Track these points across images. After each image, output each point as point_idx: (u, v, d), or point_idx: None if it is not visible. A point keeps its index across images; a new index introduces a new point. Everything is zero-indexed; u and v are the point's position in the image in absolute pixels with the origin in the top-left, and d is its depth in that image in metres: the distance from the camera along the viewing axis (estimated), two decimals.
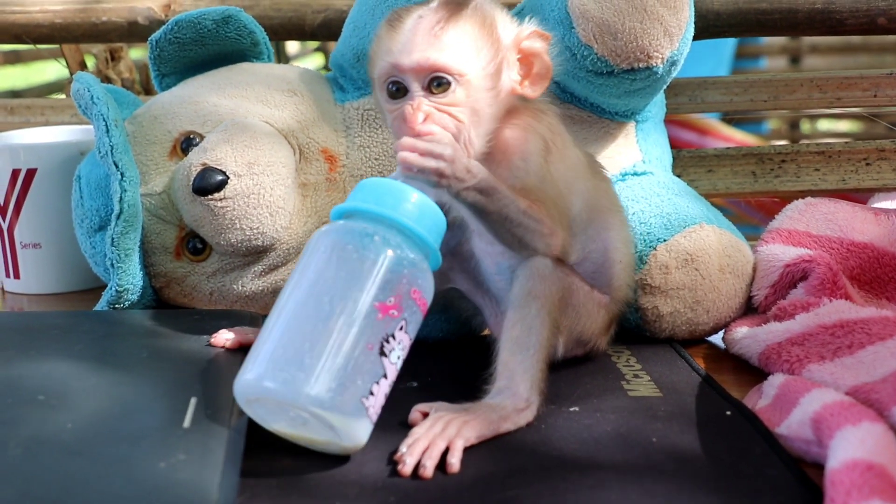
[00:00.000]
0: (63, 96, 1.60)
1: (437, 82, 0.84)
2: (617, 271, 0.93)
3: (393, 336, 0.76)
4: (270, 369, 0.73)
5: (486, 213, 0.83)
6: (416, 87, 0.85)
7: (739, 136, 3.00)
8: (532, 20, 0.90)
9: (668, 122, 1.19)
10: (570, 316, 0.89)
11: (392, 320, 0.76)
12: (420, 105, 0.84)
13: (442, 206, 0.83)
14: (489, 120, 0.86)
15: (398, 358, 0.76)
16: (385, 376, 0.75)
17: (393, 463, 0.75)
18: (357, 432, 0.74)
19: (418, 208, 0.78)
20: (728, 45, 3.74)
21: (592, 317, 0.91)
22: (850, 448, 0.69)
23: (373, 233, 0.77)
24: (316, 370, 0.72)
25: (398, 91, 0.86)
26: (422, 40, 0.84)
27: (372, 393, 0.74)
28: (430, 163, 0.79)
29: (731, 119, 2.54)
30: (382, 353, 0.75)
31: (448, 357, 0.97)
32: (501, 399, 0.81)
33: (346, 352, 0.73)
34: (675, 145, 1.21)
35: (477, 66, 0.85)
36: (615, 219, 0.94)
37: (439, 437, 0.76)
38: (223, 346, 0.89)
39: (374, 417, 0.75)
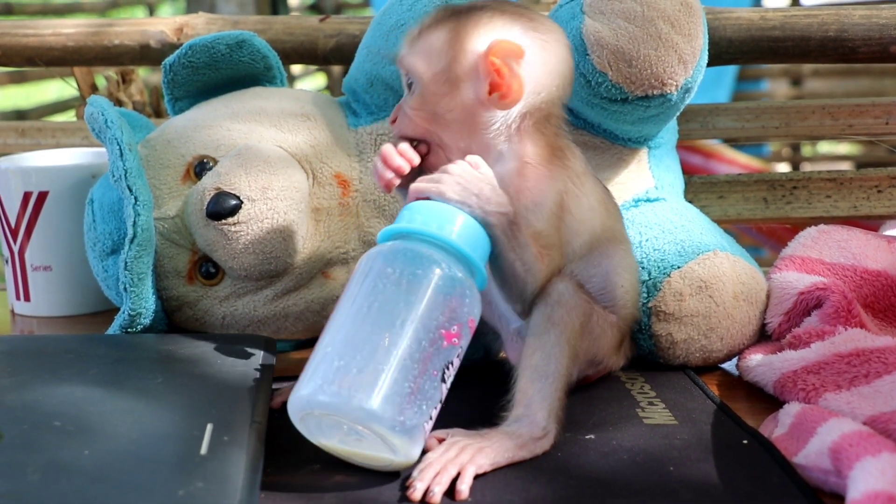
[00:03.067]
0: (74, 118, 1.60)
1: (408, 82, 0.91)
2: (620, 294, 0.93)
3: (452, 363, 0.78)
4: (337, 386, 0.74)
5: (503, 248, 0.84)
6: (405, 86, 0.92)
7: (743, 159, 3.01)
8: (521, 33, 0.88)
9: (676, 145, 1.19)
10: (588, 339, 0.89)
11: (454, 348, 0.78)
12: (398, 108, 0.92)
13: None
14: (460, 128, 0.89)
15: (450, 383, 0.78)
16: (441, 401, 0.77)
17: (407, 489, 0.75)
18: (414, 450, 0.75)
19: (464, 229, 0.81)
20: (730, 68, 3.75)
21: (606, 337, 0.91)
22: (870, 479, 0.69)
23: (426, 254, 0.79)
24: (387, 392, 0.74)
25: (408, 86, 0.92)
26: (407, 42, 0.91)
27: (431, 417, 0.76)
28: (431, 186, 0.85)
29: (734, 142, 2.54)
30: (443, 380, 0.77)
31: (465, 382, 0.96)
32: (518, 427, 0.81)
33: (415, 376, 0.75)
34: (682, 169, 1.21)
35: (430, 71, 0.89)
36: (618, 248, 0.94)
37: (451, 462, 0.76)
38: None
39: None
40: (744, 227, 2.32)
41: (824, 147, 4.36)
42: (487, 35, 0.87)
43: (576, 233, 0.90)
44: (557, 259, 0.87)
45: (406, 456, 0.75)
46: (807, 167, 4.03)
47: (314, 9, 5.70)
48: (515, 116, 0.88)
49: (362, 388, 0.73)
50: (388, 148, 0.89)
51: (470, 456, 0.77)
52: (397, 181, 0.89)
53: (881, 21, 1.23)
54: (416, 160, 0.89)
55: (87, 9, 4.83)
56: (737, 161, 2.90)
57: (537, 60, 0.88)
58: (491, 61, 0.86)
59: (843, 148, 4.24)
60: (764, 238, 2.30)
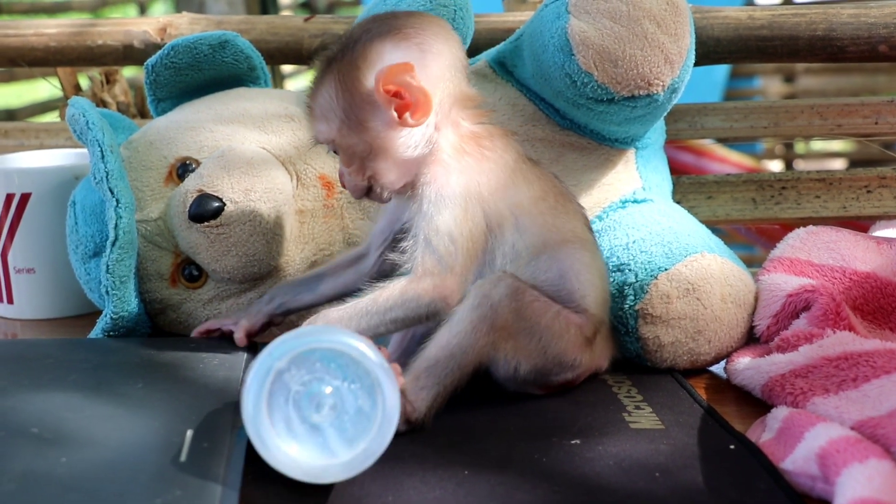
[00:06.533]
0: (57, 119, 1.60)
1: (331, 149, 0.93)
2: (579, 295, 0.92)
3: None
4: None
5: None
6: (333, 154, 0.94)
7: (735, 157, 3.01)
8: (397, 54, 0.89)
9: (665, 144, 1.19)
10: (542, 338, 0.89)
11: None
12: (340, 174, 0.93)
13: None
14: (386, 157, 0.90)
15: None
16: None
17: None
18: (390, 398, 0.73)
19: None
20: (722, 66, 3.75)
21: (566, 337, 0.90)
22: (857, 486, 0.69)
23: None
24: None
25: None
26: (307, 117, 0.93)
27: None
28: None
29: (723, 141, 2.54)
30: None
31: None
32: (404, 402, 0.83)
33: None
34: (673, 168, 1.20)
35: (334, 128, 0.90)
36: (569, 249, 0.93)
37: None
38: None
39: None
40: (736, 226, 2.32)
41: (817, 145, 4.36)
42: (368, 68, 0.88)
43: (504, 219, 0.90)
44: (451, 258, 0.88)
45: (385, 421, 0.73)
46: (800, 164, 4.03)
47: (305, 7, 5.68)
48: (432, 122, 0.90)
49: None
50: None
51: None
52: None
53: (869, 20, 1.23)
54: None
55: (77, 7, 4.81)
56: (728, 159, 2.90)
57: (423, 64, 0.89)
58: (387, 90, 0.87)
59: (837, 145, 4.25)
60: (755, 237, 2.30)
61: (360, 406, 0.73)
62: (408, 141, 0.89)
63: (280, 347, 0.73)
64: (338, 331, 0.75)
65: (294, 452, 0.72)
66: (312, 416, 0.73)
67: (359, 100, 0.89)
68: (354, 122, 0.89)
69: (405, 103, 0.88)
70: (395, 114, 0.88)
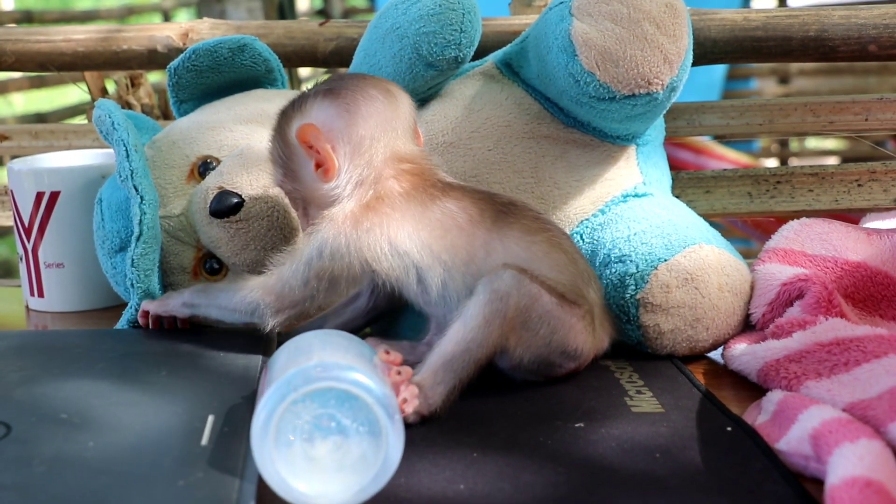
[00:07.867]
0: (85, 121, 1.62)
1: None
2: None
3: None
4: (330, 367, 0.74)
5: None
6: None
7: (732, 155, 3.02)
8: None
9: (666, 142, 1.21)
10: (544, 328, 0.90)
11: None
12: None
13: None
14: (321, 205, 0.94)
15: None
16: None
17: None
18: (393, 451, 0.73)
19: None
20: (719, 68, 3.76)
21: (565, 327, 0.91)
22: (848, 465, 0.70)
23: None
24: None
25: None
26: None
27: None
28: None
29: (723, 138, 2.56)
30: None
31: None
32: (418, 402, 0.85)
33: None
34: (672, 165, 1.22)
35: (278, 175, 0.97)
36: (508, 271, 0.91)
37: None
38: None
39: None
40: (733, 220, 2.34)
41: (811, 142, 4.37)
42: (297, 123, 0.93)
43: (404, 269, 0.92)
44: (285, 291, 0.94)
45: (386, 452, 0.73)
46: (794, 162, 4.04)
47: (321, 13, 5.67)
48: (352, 179, 0.93)
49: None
50: None
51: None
52: None
53: (859, 21, 1.25)
54: None
55: (105, 16, 4.82)
56: (726, 157, 2.91)
57: (349, 124, 0.92)
58: (305, 142, 0.92)
59: (830, 143, 4.26)
60: (751, 230, 2.31)
61: (363, 452, 0.73)
62: (329, 194, 0.93)
63: (299, 377, 0.72)
64: (358, 368, 0.74)
65: (289, 478, 0.72)
66: (315, 450, 0.72)
67: (289, 151, 0.94)
68: (289, 171, 0.95)
69: (321, 160, 0.93)
70: (314, 167, 0.93)
